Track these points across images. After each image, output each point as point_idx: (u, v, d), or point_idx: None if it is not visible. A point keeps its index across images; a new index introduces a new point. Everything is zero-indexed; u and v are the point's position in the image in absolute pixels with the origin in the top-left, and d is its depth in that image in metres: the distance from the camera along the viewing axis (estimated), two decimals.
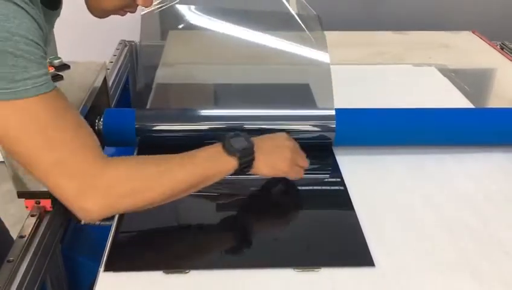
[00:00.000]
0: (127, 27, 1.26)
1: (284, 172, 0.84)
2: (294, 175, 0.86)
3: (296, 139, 0.98)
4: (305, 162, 0.87)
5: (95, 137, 0.71)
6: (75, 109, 0.71)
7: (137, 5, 0.85)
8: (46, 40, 0.69)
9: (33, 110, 0.63)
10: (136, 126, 0.96)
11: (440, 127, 1.02)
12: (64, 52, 1.09)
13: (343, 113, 0.99)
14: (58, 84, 0.93)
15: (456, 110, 1.07)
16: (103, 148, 0.99)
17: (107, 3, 0.84)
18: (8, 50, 0.60)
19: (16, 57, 0.61)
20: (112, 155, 1.08)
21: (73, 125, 0.67)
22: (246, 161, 0.79)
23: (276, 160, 0.83)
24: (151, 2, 0.85)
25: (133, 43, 1.49)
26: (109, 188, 0.69)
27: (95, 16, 0.86)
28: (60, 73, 1.00)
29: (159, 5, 1.07)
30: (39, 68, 0.63)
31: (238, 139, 0.80)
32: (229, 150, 0.78)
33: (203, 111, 0.99)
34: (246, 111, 1.00)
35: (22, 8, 0.63)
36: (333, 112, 0.98)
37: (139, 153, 0.98)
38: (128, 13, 0.89)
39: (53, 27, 0.82)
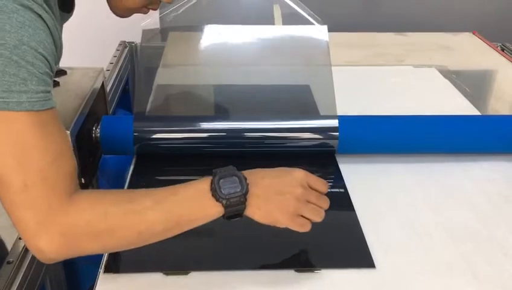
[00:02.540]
0: (127, 28, 1.25)
1: (281, 224, 0.68)
2: (297, 228, 0.69)
3: (298, 147, 0.98)
4: (316, 215, 0.69)
5: (74, 169, 0.65)
6: (64, 134, 0.65)
7: (160, 1, 0.84)
8: (59, 56, 0.66)
9: (18, 125, 0.59)
10: (134, 134, 0.95)
11: (445, 135, 1.00)
12: (64, 52, 1.09)
13: (346, 121, 0.97)
14: (54, 90, 0.92)
15: (461, 118, 1.05)
16: (100, 156, 0.99)
17: (130, 1, 0.81)
18: (13, 58, 0.58)
19: (19, 66, 0.58)
20: (111, 162, 1.08)
21: (53, 153, 0.62)
22: (234, 210, 0.66)
23: (274, 210, 0.67)
24: None
25: (133, 44, 1.49)
26: (69, 227, 0.62)
27: (118, 15, 0.84)
28: (56, 79, 0.97)
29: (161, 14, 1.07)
30: (39, 84, 0.60)
31: (229, 181, 0.66)
32: (216, 194, 0.65)
33: (203, 120, 0.98)
34: (248, 123, 0.98)
35: (40, 16, 0.61)
36: (336, 121, 0.97)
37: (137, 161, 0.97)
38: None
39: (62, 30, 0.81)
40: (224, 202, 0.65)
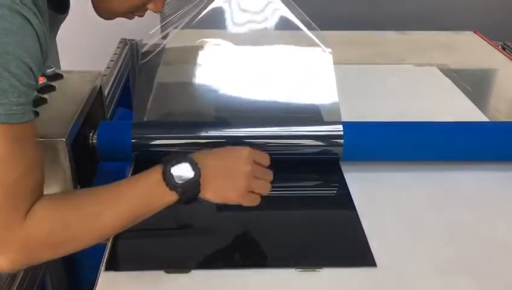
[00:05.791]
0: (127, 26, 1.25)
1: (233, 201, 0.72)
2: (247, 204, 0.73)
3: (301, 154, 0.96)
4: (264, 189, 0.73)
5: (40, 183, 0.63)
6: (37, 148, 0.63)
7: (147, 9, 0.82)
8: (44, 61, 0.65)
9: None
10: (132, 141, 0.93)
11: (452, 143, 0.97)
12: (64, 52, 1.08)
13: (351, 128, 0.95)
14: (49, 95, 0.89)
15: (468, 125, 1.01)
16: (97, 163, 0.98)
17: (116, 5, 0.79)
18: None
19: (0, 77, 0.56)
20: (109, 168, 1.07)
21: (22, 168, 0.60)
22: (189, 195, 0.68)
23: (226, 189, 0.71)
24: (162, 7, 0.80)
25: (133, 42, 1.49)
26: (28, 241, 0.61)
27: (102, 17, 0.81)
28: (52, 83, 0.94)
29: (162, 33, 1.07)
30: (19, 96, 0.58)
31: (180, 167, 0.67)
32: (169, 182, 0.67)
33: (203, 126, 0.96)
34: (249, 130, 0.97)
35: (29, 21, 0.58)
36: (341, 127, 0.94)
37: (135, 168, 0.95)
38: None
39: (57, 31, 0.80)
40: (179, 189, 0.67)
